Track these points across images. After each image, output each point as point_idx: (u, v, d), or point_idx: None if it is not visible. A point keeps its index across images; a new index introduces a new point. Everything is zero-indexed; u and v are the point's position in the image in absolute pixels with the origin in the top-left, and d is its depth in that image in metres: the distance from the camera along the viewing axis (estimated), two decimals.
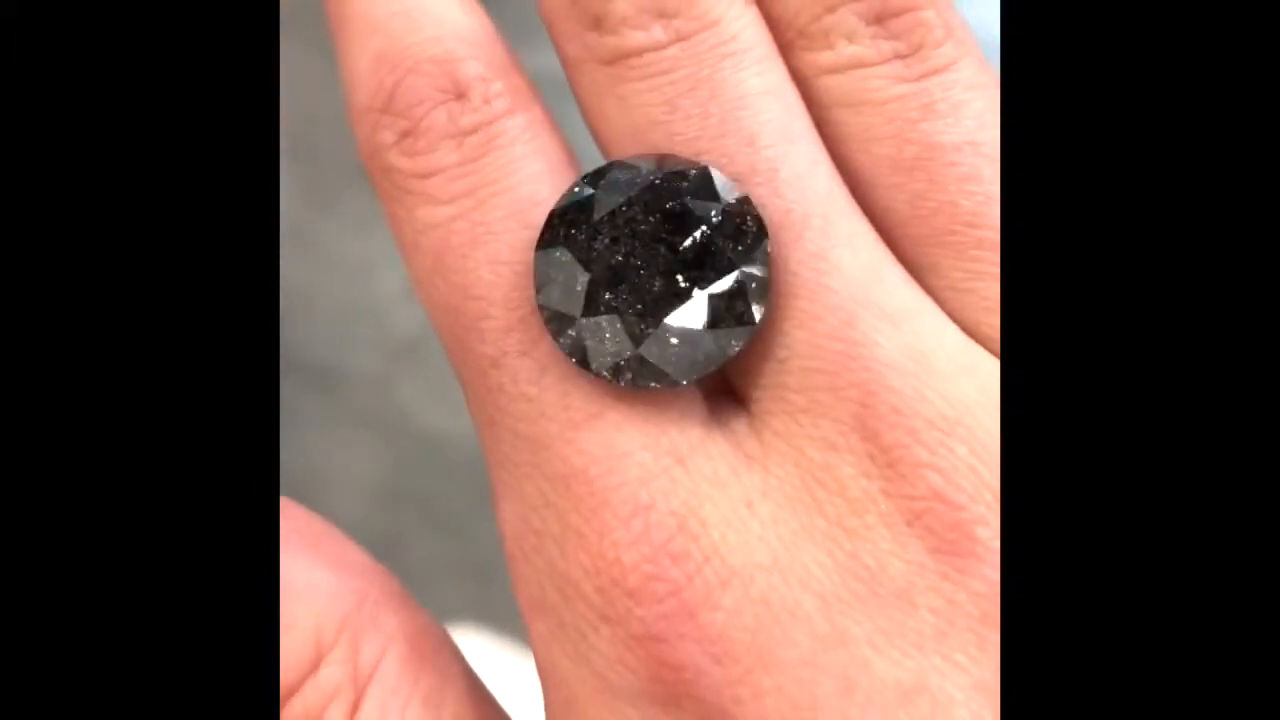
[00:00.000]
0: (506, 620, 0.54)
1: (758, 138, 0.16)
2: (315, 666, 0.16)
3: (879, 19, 0.17)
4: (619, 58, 0.17)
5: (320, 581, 0.17)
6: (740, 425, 0.16)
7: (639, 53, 0.17)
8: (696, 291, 0.16)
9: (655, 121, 0.17)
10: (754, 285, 0.16)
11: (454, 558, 0.78)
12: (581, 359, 0.16)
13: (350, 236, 0.88)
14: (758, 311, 0.16)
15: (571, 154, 0.17)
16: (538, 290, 0.16)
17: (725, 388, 0.16)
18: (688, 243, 0.16)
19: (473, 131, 0.17)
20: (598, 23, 0.17)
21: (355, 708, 0.16)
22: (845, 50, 0.17)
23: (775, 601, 0.15)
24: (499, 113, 0.17)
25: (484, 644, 0.52)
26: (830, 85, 0.17)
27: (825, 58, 0.17)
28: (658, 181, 0.16)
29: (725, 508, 0.15)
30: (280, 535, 0.17)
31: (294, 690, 0.16)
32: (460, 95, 0.17)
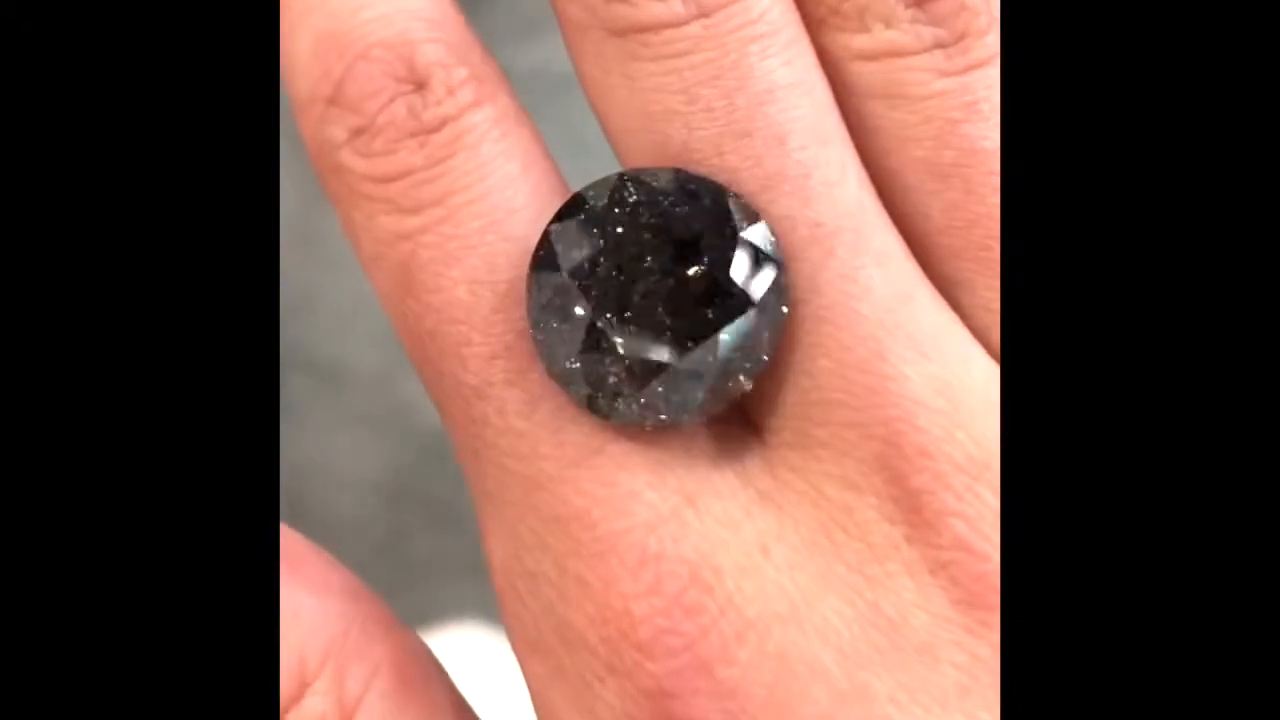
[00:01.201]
0: None
1: (787, 138, 0.15)
2: (299, 696, 0.16)
3: (919, 1, 0.15)
4: (631, 31, 0.15)
5: (305, 607, 0.16)
6: (751, 459, 0.15)
7: (655, 28, 0.15)
8: (706, 327, 0.15)
9: (671, 111, 0.15)
10: (770, 320, 0.15)
11: (459, 554, 0.78)
12: (577, 396, 0.15)
13: None
14: (770, 352, 0.15)
15: (545, 148, 0.16)
16: (529, 316, 0.15)
17: (734, 413, 0.15)
18: (698, 274, 0.15)
19: (437, 128, 0.15)
20: None
21: None
22: (881, 35, 0.15)
23: (793, 655, 0.14)
24: (465, 104, 0.15)
25: (487, 640, 0.52)
26: (863, 73, 0.15)
27: (859, 41, 0.15)
28: (668, 203, 0.15)
29: (739, 553, 0.14)
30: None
31: None
32: (420, 85, 0.15)
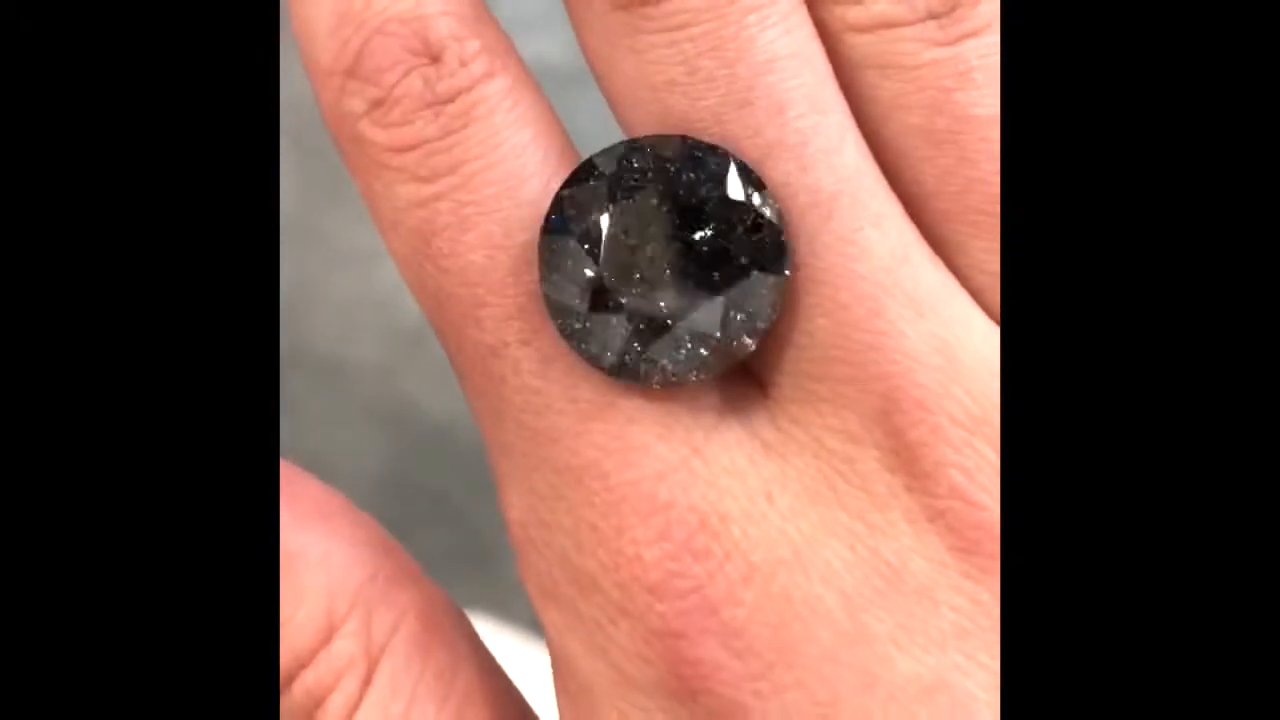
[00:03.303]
0: (511, 607, 0.54)
1: (786, 107, 0.15)
2: (328, 639, 0.16)
3: None
4: (633, 4, 0.16)
5: (333, 554, 0.17)
6: (757, 412, 0.16)
7: (657, 1, 0.15)
8: (710, 289, 0.15)
9: (673, 82, 0.15)
10: (769, 286, 0.15)
11: (459, 546, 0.78)
12: (587, 355, 0.15)
13: (353, 226, 0.88)
14: (772, 314, 0.15)
15: (555, 116, 0.16)
16: (542, 278, 0.15)
17: (740, 370, 0.16)
18: (702, 238, 0.15)
19: (451, 99, 0.16)
20: None
21: (367, 680, 0.16)
22: (876, 7, 0.16)
23: (797, 597, 0.15)
24: (478, 76, 0.16)
25: (489, 631, 0.52)
26: (858, 44, 0.16)
27: (854, 14, 0.16)
28: (674, 170, 0.15)
29: (745, 500, 0.15)
30: (295, 507, 0.17)
31: (306, 662, 0.16)
32: (434, 57, 0.16)
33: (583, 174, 0.15)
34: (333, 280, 0.88)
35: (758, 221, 0.15)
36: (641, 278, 0.15)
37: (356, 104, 0.16)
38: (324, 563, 0.17)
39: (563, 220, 0.15)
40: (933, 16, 0.16)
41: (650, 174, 0.15)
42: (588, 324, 0.15)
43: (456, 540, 0.79)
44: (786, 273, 0.15)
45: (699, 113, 0.15)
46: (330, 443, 0.83)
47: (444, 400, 0.83)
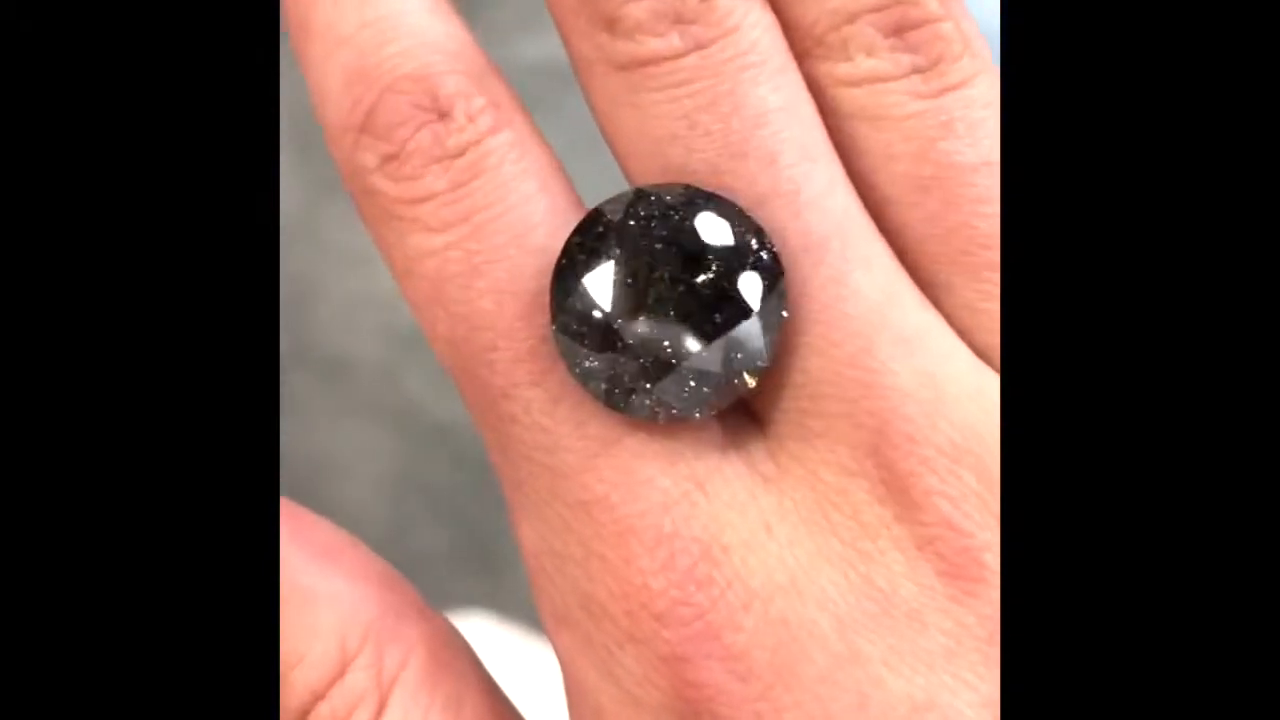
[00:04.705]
0: (512, 608, 0.54)
1: (778, 157, 0.16)
2: (342, 672, 0.17)
3: (897, 31, 0.17)
4: (635, 65, 0.16)
5: (344, 591, 0.17)
6: (756, 447, 0.16)
7: (656, 61, 0.16)
8: (712, 330, 0.16)
9: (674, 135, 0.16)
10: (769, 324, 0.16)
11: (461, 546, 0.78)
12: (596, 392, 0.16)
13: (355, 226, 0.88)
14: (771, 351, 0.16)
15: (559, 166, 0.17)
16: (553, 319, 0.16)
17: (741, 408, 0.17)
18: (704, 281, 0.16)
19: (460, 153, 0.16)
20: (611, 25, 0.17)
21: (380, 712, 0.17)
22: (863, 64, 0.17)
23: (794, 622, 0.15)
24: (484, 130, 0.16)
25: (491, 630, 0.52)
26: (847, 97, 0.17)
27: (842, 69, 0.17)
28: (678, 217, 0.16)
29: (745, 531, 0.16)
30: (305, 547, 0.18)
31: (321, 695, 0.17)
32: (443, 114, 0.16)
33: (592, 221, 0.16)
34: (336, 281, 0.88)
35: (756, 265, 0.16)
36: (647, 319, 0.16)
37: (369, 159, 0.17)
38: (336, 600, 0.17)
39: (574, 265, 0.16)
40: (917, 71, 0.16)
41: (655, 221, 0.16)
42: (596, 363, 0.16)
43: (457, 540, 0.79)
44: (784, 314, 0.16)
45: (697, 164, 0.16)
46: (332, 442, 0.83)
47: (446, 400, 0.83)
